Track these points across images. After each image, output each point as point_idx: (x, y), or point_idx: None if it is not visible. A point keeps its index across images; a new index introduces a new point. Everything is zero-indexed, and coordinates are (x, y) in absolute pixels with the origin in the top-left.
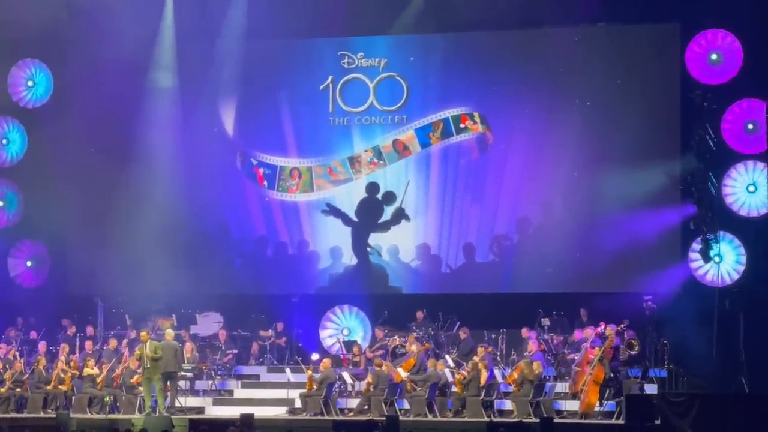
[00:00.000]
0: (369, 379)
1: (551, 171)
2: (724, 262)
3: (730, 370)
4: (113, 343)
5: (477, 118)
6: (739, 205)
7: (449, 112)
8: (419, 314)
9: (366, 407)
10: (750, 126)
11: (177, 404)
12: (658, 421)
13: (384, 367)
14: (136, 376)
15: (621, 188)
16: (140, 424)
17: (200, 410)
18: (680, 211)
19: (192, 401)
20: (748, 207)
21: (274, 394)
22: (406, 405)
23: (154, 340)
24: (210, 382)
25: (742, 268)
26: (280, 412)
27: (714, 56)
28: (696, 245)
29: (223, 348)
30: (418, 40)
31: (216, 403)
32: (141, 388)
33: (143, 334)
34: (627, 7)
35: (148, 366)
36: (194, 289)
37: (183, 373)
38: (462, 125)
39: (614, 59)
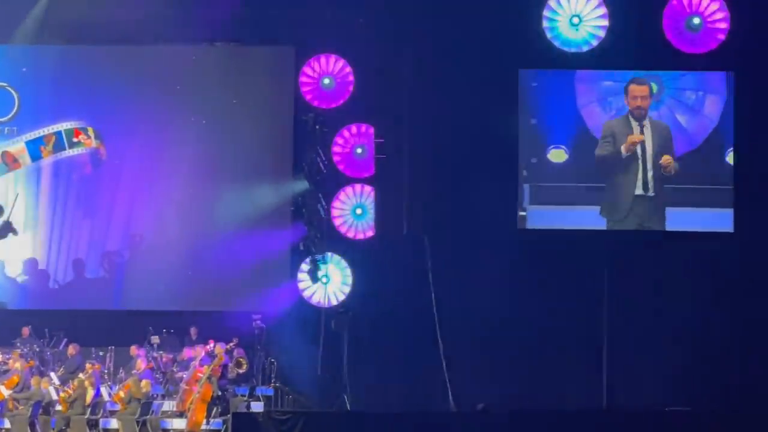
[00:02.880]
0: None
1: (166, 188)
2: (331, 283)
3: (333, 389)
4: None
5: (91, 133)
6: (346, 227)
7: (62, 126)
8: (24, 330)
9: None
10: (359, 150)
11: None
12: None
13: None
14: None
15: (235, 207)
16: None
17: None
18: (290, 231)
19: None
20: (355, 229)
21: None
22: (7, 424)
23: None
24: None
25: (348, 290)
26: None
27: (326, 80)
28: (305, 266)
29: None
30: (32, 51)
31: None
32: None
33: None
34: (245, 28)
35: None
36: None
37: None
38: (75, 139)
39: (231, 79)
